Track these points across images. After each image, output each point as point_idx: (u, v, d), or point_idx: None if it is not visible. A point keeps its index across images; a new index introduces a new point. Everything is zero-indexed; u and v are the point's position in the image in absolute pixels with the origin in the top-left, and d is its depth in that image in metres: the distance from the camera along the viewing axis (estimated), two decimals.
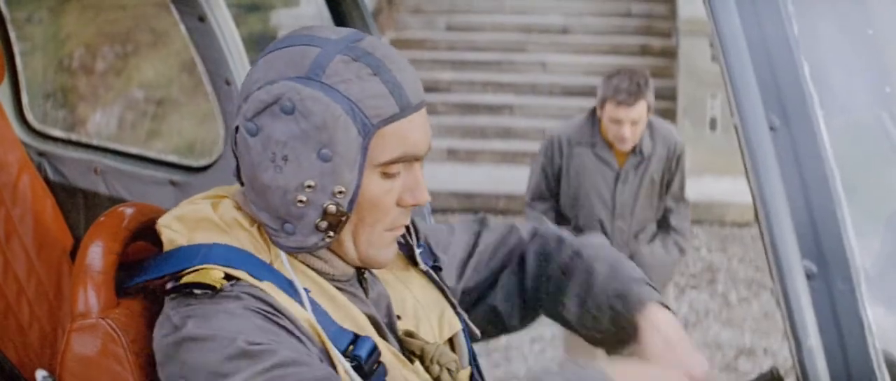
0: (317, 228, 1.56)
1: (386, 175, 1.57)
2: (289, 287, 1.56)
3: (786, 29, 1.17)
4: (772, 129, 1.15)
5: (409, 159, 1.58)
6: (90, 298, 1.63)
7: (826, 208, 1.14)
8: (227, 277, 1.54)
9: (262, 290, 1.53)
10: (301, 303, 1.55)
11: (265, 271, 1.57)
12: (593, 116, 4.67)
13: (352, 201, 1.55)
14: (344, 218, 1.56)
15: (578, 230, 4.62)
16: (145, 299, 1.64)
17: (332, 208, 1.54)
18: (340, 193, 1.53)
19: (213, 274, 1.52)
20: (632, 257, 4.49)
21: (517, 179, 8.17)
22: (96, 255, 1.66)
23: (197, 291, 1.52)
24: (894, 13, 1.50)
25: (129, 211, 1.74)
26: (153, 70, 11.09)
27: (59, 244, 3.02)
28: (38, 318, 2.93)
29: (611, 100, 4.51)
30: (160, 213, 1.71)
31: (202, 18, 2.77)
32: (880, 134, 1.41)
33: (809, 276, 1.14)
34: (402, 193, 1.60)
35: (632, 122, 4.48)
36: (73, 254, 3.02)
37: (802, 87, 1.16)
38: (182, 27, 2.84)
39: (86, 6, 11.52)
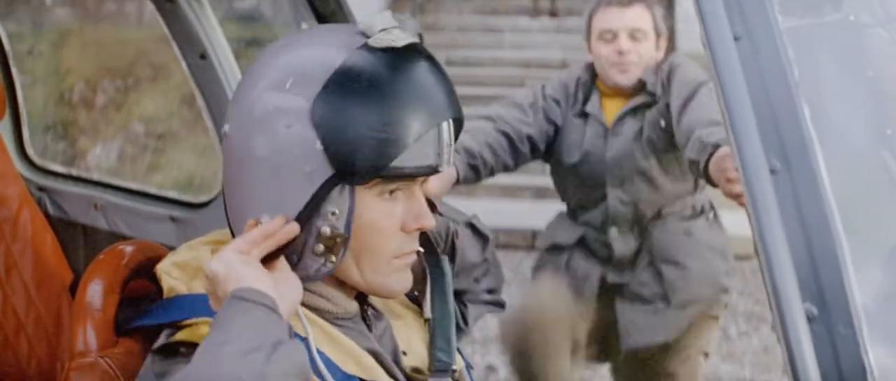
0: (314, 252, 1.53)
1: (383, 196, 1.55)
2: None
3: (786, 72, 1.18)
4: (772, 172, 1.15)
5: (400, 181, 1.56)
6: (89, 336, 1.64)
7: (827, 250, 1.14)
8: None
9: None
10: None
11: None
12: (588, 72, 3.45)
13: (348, 224, 1.52)
14: (340, 240, 1.52)
15: (574, 216, 3.58)
16: (144, 339, 1.64)
17: (327, 230, 1.52)
18: (333, 213, 1.52)
19: (204, 331, 1.48)
20: (658, 245, 3.43)
21: (517, 214, 8.16)
22: (96, 293, 1.66)
23: (183, 349, 1.51)
24: (894, 55, 1.51)
25: (128, 249, 1.74)
26: (153, 104, 11.11)
27: (59, 279, 3.01)
28: (36, 353, 2.93)
29: (598, 8, 3.34)
30: (160, 251, 1.71)
31: (203, 56, 2.78)
32: (883, 177, 1.41)
33: (810, 319, 1.14)
34: (404, 218, 1.57)
35: (630, 33, 3.30)
36: (73, 289, 3.02)
37: (803, 130, 1.16)
38: (183, 64, 2.85)
39: (87, 41, 11.56)
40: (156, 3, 2.78)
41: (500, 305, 1.98)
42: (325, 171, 1.49)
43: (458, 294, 1.89)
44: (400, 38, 1.51)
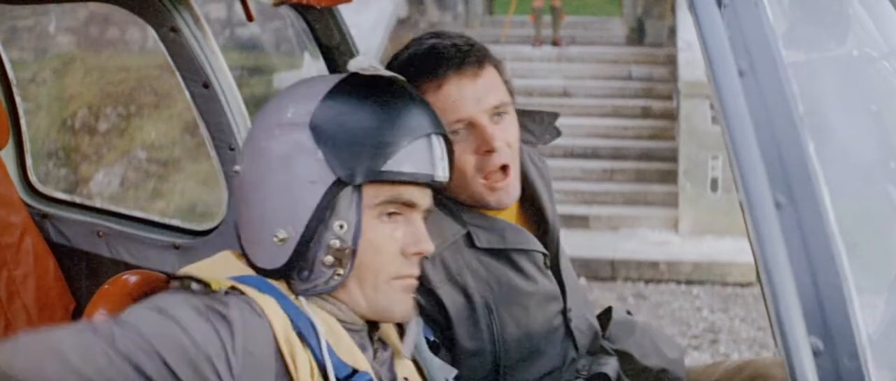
0: (324, 264, 1.60)
1: (383, 218, 1.62)
2: (290, 308, 1.59)
3: (790, 107, 1.18)
4: (778, 206, 1.16)
5: (401, 203, 1.63)
6: None
7: (832, 284, 1.15)
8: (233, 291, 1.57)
9: (258, 303, 1.55)
10: (305, 336, 1.56)
11: (274, 291, 1.60)
12: None
13: (355, 237, 1.60)
14: (348, 252, 1.60)
15: None
16: None
17: (336, 242, 1.59)
18: (341, 227, 1.59)
19: (219, 281, 1.57)
20: None
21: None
22: None
23: (194, 286, 1.57)
24: None
25: (132, 279, 1.76)
26: (155, 131, 11.13)
27: (61, 306, 3.01)
28: None
29: None
30: (163, 281, 1.72)
31: (206, 85, 2.78)
32: (887, 209, 1.42)
33: (816, 353, 1.14)
34: (404, 241, 1.64)
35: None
36: (75, 316, 3.01)
37: (807, 164, 1.17)
38: (187, 93, 2.86)
39: (89, 68, 11.59)
40: (159, 33, 2.79)
41: None
42: (328, 178, 1.58)
43: None
44: (383, 71, 1.66)
